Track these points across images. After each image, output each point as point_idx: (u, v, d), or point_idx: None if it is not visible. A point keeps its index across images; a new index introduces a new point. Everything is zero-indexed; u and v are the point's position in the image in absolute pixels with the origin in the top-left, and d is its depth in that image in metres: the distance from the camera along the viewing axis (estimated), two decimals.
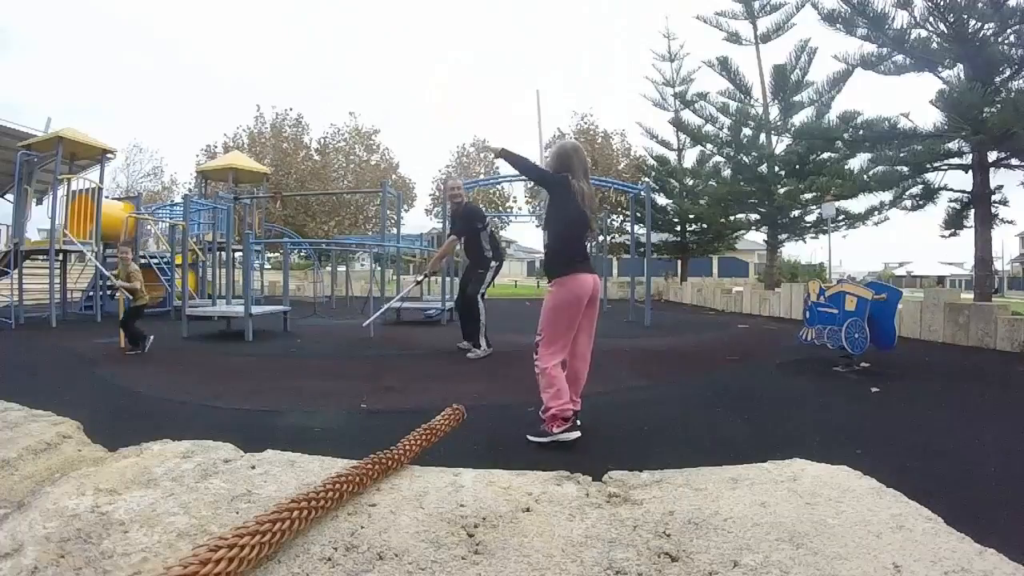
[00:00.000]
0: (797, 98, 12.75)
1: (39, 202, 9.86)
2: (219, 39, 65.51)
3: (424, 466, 1.83)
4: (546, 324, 2.40)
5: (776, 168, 13.00)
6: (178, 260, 8.91)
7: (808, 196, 12.53)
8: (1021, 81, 7.95)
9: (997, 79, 7.99)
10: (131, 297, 5.08)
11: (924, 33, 8.43)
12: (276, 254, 20.73)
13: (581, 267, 2.44)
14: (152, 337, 5.02)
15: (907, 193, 10.21)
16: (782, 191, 12.83)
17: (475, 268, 5.04)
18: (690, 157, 18.04)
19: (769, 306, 10.29)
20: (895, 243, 66.30)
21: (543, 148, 10.00)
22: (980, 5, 7.83)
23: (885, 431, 2.65)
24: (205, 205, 10.57)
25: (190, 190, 18.90)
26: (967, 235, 9.29)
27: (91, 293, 9.01)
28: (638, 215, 10.93)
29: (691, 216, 16.81)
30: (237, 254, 10.10)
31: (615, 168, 22.40)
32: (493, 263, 5.01)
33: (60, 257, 8.59)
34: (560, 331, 2.40)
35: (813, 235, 13.97)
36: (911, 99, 19.70)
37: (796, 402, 3.32)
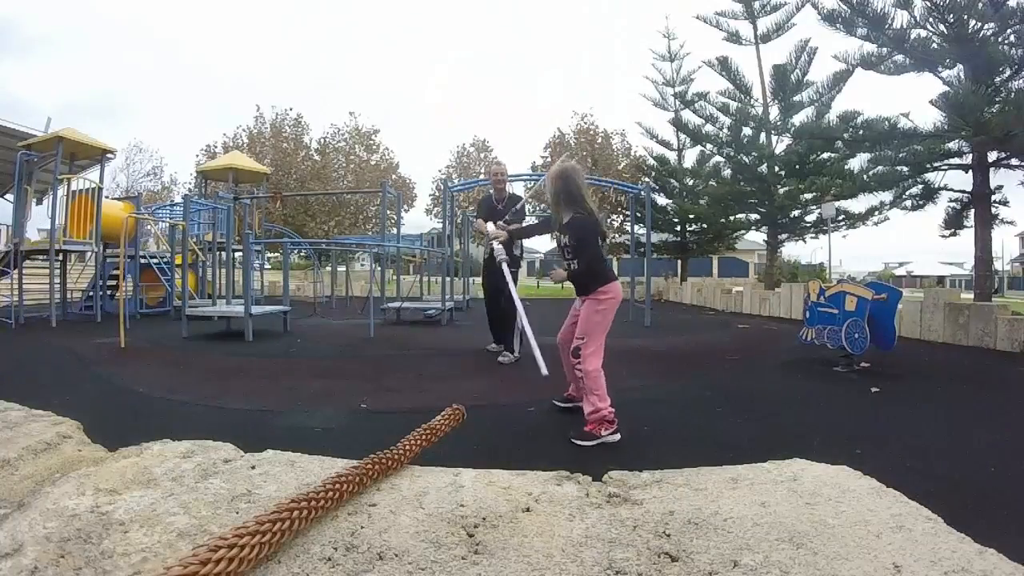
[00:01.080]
0: (797, 98, 12.75)
1: (39, 202, 9.86)
2: (219, 39, 65.52)
3: (424, 466, 1.83)
4: (593, 329, 2.49)
5: (776, 168, 13.00)
6: (178, 260, 8.91)
7: (808, 196, 12.53)
8: (1021, 81, 7.95)
9: (997, 79, 7.99)
10: None
11: (924, 33, 8.43)
12: (276, 254, 20.73)
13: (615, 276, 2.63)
14: None
15: (907, 193, 10.21)
16: (782, 191, 12.83)
17: (508, 267, 4.81)
18: (690, 157, 18.06)
19: (769, 306, 10.28)
20: (895, 243, 66.33)
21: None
22: (980, 5, 7.83)
23: (885, 431, 2.65)
24: (205, 205, 10.57)
25: (190, 190, 18.90)
26: (967, 235, 9.30)
27: (91, 293, 9.01)
28: (638, 215, 10.93)
29: (691, 216, 16.80)
30: (237, 254, 10.10)
31: (615, 168, 22.37)
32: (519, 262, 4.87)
33: (60, 257, 8.59)
34: (604, 334, 2.52)
35: (813, 235, 13.97)
36: (911, 99, 19.71)
37: (796, 402, 3.31)
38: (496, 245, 3.35)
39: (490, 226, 3.57)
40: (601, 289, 2.51)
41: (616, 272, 3.06)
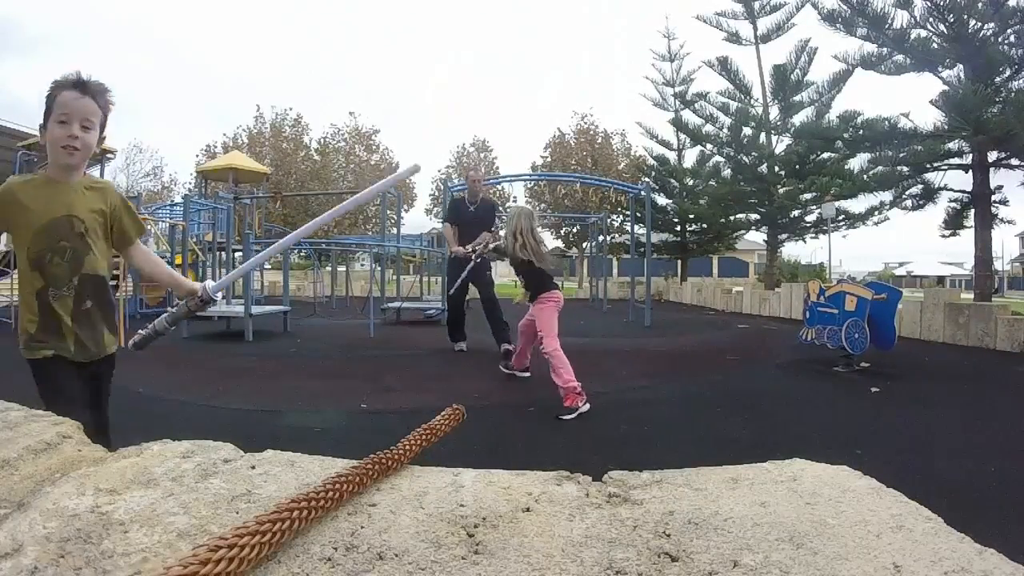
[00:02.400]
0: (797, 98, 12.74)
1: None
2: (219, 39, 65.55)
3: (424, 466, 1.82)
4: (545, 324, 3.11)
5: (776, 168, 12.98)
6: (178, 260, 8.91)
7: (808, 196, 12.51)
8: (1021, 81, 7.95)
9: (997, 79, 7.99)
10: None
11: (924, 33, 8.43)
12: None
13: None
14: None
15: (907, 193, 10.20)
16: (782, 191, 12.82)
17: (482, 269, 4.83)
18: (690, 157, 18.03)
19: (769, 306, 10.28)
20: (895, 243, 65.91)
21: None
22: (980, 5, 7.83)
23: (885, 431, 2.65)
24: (205, 205, 10.57)
25: (190, 190, 18.90)
26: (967, 235, 9.29)
27: None
28: (638, 215, 10.92)
29: (691, 216, 16.78)
30: (237, 254, 10.10)
31: (615, 168, 22.40)
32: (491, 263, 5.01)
33: None
34: (554, 325, 3.13)
35: (813, 235, 13.95)
36: (911, 99, 19.66)
37: (796, 402, 3.32)
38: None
39: (459, 249, 4.40)
40: (543, 295, 3.20)
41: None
